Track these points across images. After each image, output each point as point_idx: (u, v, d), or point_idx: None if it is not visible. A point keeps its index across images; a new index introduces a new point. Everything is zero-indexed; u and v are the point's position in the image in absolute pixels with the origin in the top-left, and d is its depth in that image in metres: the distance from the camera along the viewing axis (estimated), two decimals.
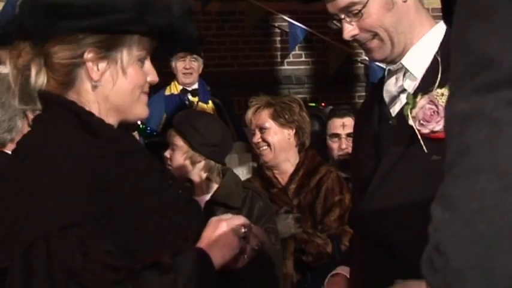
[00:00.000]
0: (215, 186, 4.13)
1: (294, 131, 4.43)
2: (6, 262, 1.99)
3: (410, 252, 2.22)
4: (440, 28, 2.47)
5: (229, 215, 2.33)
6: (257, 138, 4.43)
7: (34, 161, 2.09)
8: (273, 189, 4.45)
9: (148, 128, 5.66)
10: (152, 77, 2.29)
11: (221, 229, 2.21)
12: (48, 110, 2.23)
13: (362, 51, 9.33)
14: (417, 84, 2.41)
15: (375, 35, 2.41)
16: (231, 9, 8.92)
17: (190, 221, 2.32)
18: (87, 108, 2.21)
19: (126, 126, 2.41)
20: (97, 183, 2.07)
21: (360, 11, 2.38)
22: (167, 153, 4.06)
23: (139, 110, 2.29)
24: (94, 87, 2.21)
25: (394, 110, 2.46)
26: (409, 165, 2.35)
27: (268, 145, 4.41)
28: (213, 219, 2.27)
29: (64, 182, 2.03)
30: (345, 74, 8.98)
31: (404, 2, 2.41)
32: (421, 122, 2.30)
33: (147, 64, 2.29)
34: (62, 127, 2.16)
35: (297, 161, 4.47)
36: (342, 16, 2.42)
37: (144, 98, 2.29)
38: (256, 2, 8.62)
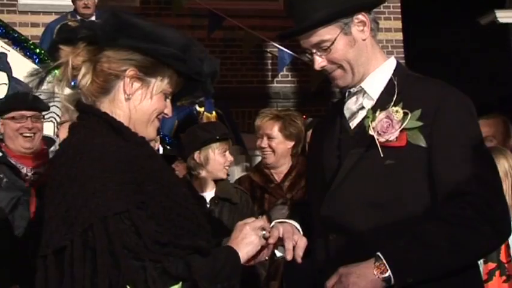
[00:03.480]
0: (212, 185, 4.20)
1: (294, 143, 4.45)
2: (64, 242, 1.98)
3: (364, 234, 2.33)
4: (392, 60, 2.50)
5: (252, 219, 2.33)
6: (264, 143, 4.46)
7: (84, 158, 2.07)
8: (271, 184, 4.48)
9: (167, 138, 5.63)
10: (168, 111, 2.28)
11: (245, 231, 2.25)
12: (85, 118, 2.22)
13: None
14: (373, 103, 2.41)
15: (340, 66, 2.42)
16: (231, 37, 8.94)
17: (201, 212, 2.31)
18: (116, 118, 2.21)
19: None
20: (136, 177, 2.07)
21: (328, 47, 2.39)
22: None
23: (150, 131, 2.27)
24: (126, 99, 2.21)
25: (353, 123, 2.45)
26: (367, 166, 2.35)
27: (273, 151, 4.43)
28: (239, 223, 2.30)
29: (112, 176, 2.03)
30: (323, 91, 9.05)
31: (364, 40, 2.43)
32: (379, 132, 2.32)
33: (168, 101, 2.29)
34: (100, 132, 2.16)
35: (291, 164, 4.48)
36: (314, 51, 2.42)
37: (157, 123, 2.28)
38: (252, 31, 8.73)
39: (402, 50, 9.79)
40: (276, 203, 4.23)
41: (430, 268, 2.22)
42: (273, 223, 2.51)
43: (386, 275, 2.18)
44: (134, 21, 2.21)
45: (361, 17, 2.41)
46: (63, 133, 4.22)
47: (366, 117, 2.38)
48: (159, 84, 2.24)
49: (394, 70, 2.46)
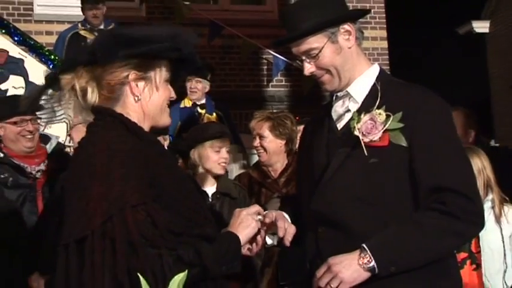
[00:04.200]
0: (213, 181, 4.26)
1: (285, 141, 4.48)
2: (85, 232, 2.00)
3: (351, 227, 2.36)
4: (375, 67, 2.53)
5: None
6: (257, 143, 4.49)
7: (103, 155, 2.08)
8: (268, 180, 4.51)
9: (171, 138, 5.70)
10: (173, 93, 2.33)
11: (242, 216, 2.30)
12: (101, 119, 2.23)
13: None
14: (358, 106, 2.44)
15: (327, 72, 2.46)
16: (230, 44, 8.86)
17: (205, 205, 2.38)
18: (129, 116, 2.22)
19: (155, 132, 2.41)
20: (150, 172, 2.10)
21: (317, 54, 2.43)
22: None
23: (166, 118, 2.31)
24: (136, 100, 2.23)
25: (340, 125, 2.48)
26: (353, 164, 2.38)
27: (265, 149, 4.46)
28: (237, 210, 2.36)
29: (129, 172, 2.05)
30: (315, 95, 8.96)
31: (349, 48, 2.46)
32: (364, 133, 2.35)
33: (169, 84, 2.32)
34: (116, 131, 2.17)
35: (286, 162, 4.51)
36: (303, 57, 2.46)
37: (168, 109, 2.31)
38: (249, 40, 8.68)
39: (387, 57, 9.71)
40: (272, 196, 4.33)
41: (411, 258, 2.27)
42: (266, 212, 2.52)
43: (371, 265, 2.23)
44: (125, 32, 2.23)
45: (346, 26, 2.44)
46: (77, 134, 4.25)
47: (351, 119, 2.41)
48: (160, 75, 2.25)
49: (378, 76, 2.48)
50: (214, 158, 4.18)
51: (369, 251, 2.24)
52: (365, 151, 2.33)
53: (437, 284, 2.34)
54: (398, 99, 2.37)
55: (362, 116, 2.37)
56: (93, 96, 2.23)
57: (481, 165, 3.83)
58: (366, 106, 2.41)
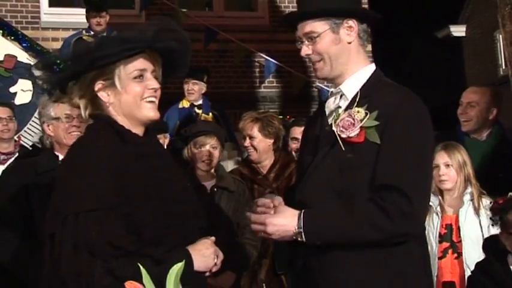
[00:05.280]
0: (212, 175, 4.25)
1: (273, 140, 4.47)
2: (53, 229, 2.05)
3: None
4: (371, 67, 2.49)
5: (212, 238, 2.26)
6: (247, 143, 4.47)
7: (79, 158, 2.12)
8: (258, 176, 4.49)
9: (169, 136, 5.66)
10: (152, 85, 2.22)
11: (207, 246, 2.20)
12: (95, 122, 2.24)
13: (316, 79, 9.32)
14: (347, 104, 2.41)
15: (322, 59, 2.43)
16: (225, 48, 8.83)
17: (199, 208, 2.28)
18: (118, 120, 2.21)
19: (155, 130, 2.40)
20: (118, 179, 2.06)
21: (315, 37, 2.41)
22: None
23: (145, 113, 2.22)
24: (112, 106, 2.21)
25: (330, 121, 2.45)
26: (332, 160, 2.36)
27: (255, 149, 4.43)
28: (208, 240, 2.23)
29: (95, 178, 2.04)
30: (304, 96, 9.03)
31: (349, 43, 2.44)
32: (341, 129, 2.33)
33: (147, 76, 2.22)
34: (102, 135, 2.17)
35: (273, 158, 4.50)
36: (303, 40, 2.44)
37: (147, 104, 2.22)
38: (243, 44, 8.67)
39: (372, 59, 9.81)
40: (265, 192, 4.29)
41: (333, 237, 2.26)
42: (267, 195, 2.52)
43: (298, 231, 2.26)
44: (75, 49, 2.22)
45: (351, 22, 2.42)
46: None
47: (333, 116, 2.41)
48: (120, 76, 2.18)
49: (370, 76, 2.45)
50: (198, 154, 4.18)
51: (302, 219, 2.26)
52: (342, 146, 2.32)
53: (396, 267, 2.30)
54: (380, 99, 2.34)
55: (341, 112, 2.36)
56: (86, 110, 2.23)
57: (461, 160, 3.84)
58: (351, 105, 2.39)
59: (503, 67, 14.40)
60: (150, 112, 2.23)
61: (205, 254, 2.18)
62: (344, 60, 2.43)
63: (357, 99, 2.35)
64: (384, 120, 2.29)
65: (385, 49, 12.99)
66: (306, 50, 2.44)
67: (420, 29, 16.21)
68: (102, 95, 2.20)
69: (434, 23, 15.80)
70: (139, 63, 2.21)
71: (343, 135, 2.32)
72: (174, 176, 2.28)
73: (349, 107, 2.38)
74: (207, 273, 2.23)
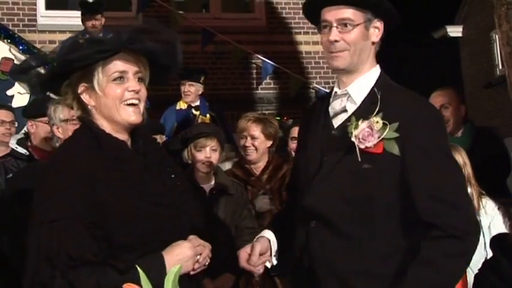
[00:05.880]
0: (211, 178, 4.22)
1: (272, 142, 4.49)
2: (30, 237, 2.03)
3: (340, 225, 2.32)
4: (377, 69, 2.45)
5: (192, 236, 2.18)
6: (248, 143, 4.44)
7: (48, 169, 2.11)
8: (252, 177, 4.47)
9: (167, 138, 5.63)
10: (131, 86, 2.17)
11: (183, 248, 2.11)
12: (79, 126, 2.24)
13: (314, 80, 9.25)
14: (355, 107, 2.38)
15: (348, 49, 2.35)
16: (222, 50, 8.83)
17: (188, 210, 2.22)
18: (98, 123, 2.17)
19: (150, 131, 2.36)
20: (87, 187, 2.02)
21: (351, 26, 2.34)
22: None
23: (124, 116, 2.16)
24: (94, 109, 2.18)
25: (336, 122, 2.41)
26: (346, 167, 2.32)
27: (255, 149, 4.42)
28: (185, 242, 2.13)
29: (59, 187, 2.02)
30: (301, 97, 9.02)
31: (372, 43, 2.41)
32: (360, 140, 2.28)
33: (128, 78, 2.17)
34: (78, 141, 2.16)
35: (267, 160, 4.50)
36: (335, 24, 2.35)
37: (127, 107, 2.17)
38: (240, 45, 8.67)
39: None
40: (258, 193, 4.35)
41: None
42: (256, 238, 2.51)
43: None
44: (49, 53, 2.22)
45: (379, 23, 2.39)
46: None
47: (349, 123, 2.33)
48: (99, 79, 2.14)
49: (377, 80, 2.41)
50: (198, 156, 4.15)
51: None
52: (359, 157, 2.27)
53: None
54: (395, 108, 2.29)
55: (360, 122, 2.29)
56: (77, 112, 2.23)
57: (462, 161, 3.85)
58: (364, 110, 2.34)
59: (500, 67, 14.41)
60: (131, 116, 2.17)
61: (181, 258, 2.08)
62: (364, 58, 2.39)
63: (377, 109, 2.29)
64: (404, 131, 2.24)
65: (382, 49, 12.97)
66: (336, 34, 2.35)
67: (417, 30, 16.22)
68: (85, 97, 2.17)
69: (430, 23, 15.81)
70: (119, 65, 2.16)
71: (361, 146, 2.27)
72: (160, 177, 2.21)
73: (361, 112, 2.33)
74: (192, 272, 2.16)
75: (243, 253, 2.46)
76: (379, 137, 2.25)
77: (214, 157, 4.20)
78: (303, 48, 9.26)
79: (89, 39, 2.21)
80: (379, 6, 2.37)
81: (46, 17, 8.63)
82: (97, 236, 1.98)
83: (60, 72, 2.15)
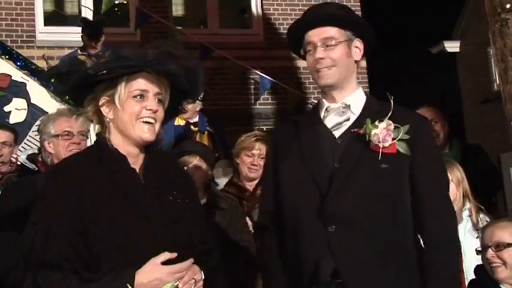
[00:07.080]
0: (203, 194, 4.19)
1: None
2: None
3: (365, 224, 2.39)
4: (360, 90, 2.59)
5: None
6: (256, 161, 4.42)
7: (52, 175, 2.21)
8: (246, 193, 4.46)
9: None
10: (150, 105, 2.21)
11: (155, 268, 2.07)
12: (95, 140, 2.31)
13: (311, 95, 9.26)
14: (355, 117, 2.52)
15: (334, 65, 2.48)
16: (220, 66, 8.85)
17: (180, 226, 2.19)
18: (110, 137, 2.22)
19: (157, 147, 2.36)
20: (76, 197, 2.08)
21: (334, 45, 2.47)
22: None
23: (138, 133, 2.20)
24: (112, 122, 2.23)
25: (338, 132, 2.51)
26: (365, 168, 2.42)
27: (261, 168, 4.36)
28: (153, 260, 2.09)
29: (50, 194, 2.11)
30: (299, 112, 8.97)
31: (355, 62, 2.55)
32: (379, 140, 2.41)
33: (148, 97, 2.21)
34: (84, 152, 2.32)
35: (260, 176, 4.42)
36: (319, 44, 2.48)
37: (143, 124, 2.20)
38: (238, 61, 8.70)
39: (366, 75, 9.83)
40: (254, 207, 4.28)
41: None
42: None
43: None
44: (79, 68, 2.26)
45: (358, 43, 2.53)
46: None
47: (366, 127, 2.43)
48: (120, 93, 2.19)
49: (367, 97, 2.59)
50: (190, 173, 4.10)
51: None
52: (380, 155, 2.39)
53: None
54: (398, 115, 2.46)
55: (378, 123, 2.41)
56: (95, 126, 2.30)
57: (460, 176, 3.88)
58: (361, 118, 2.47)
59: (497, 82, 14.43)
60: (145, 133, 2.20)
61: (151, 279, 2.03)
62: (348, 75, 2.52)
63: (389, 114, 2.43)
64: (412, 134, 2.43)
65: (380, 65, 13.03)
66: (321, 53, 2.47)
67: (414, 45, 16.29)
68: (104, 110, 2.22)
69: (428, 38, 15.88)
70: (142, 84, 2.21)
71: (380, 145, 2.41)
72: (158, 192, 2.21)
73: (360, 120, 2.47)
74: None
75: None
76: (393, 138, 2.40)
77: (198, 175, 4.12)
78: (301, 63, 9.27)
79: (115, 53, 2.24)
80: (359, 26, 2.53)
81: (44, 33, 8.67)
82: (77, 243, 2.02)
83: (86, 82, 2.20)
